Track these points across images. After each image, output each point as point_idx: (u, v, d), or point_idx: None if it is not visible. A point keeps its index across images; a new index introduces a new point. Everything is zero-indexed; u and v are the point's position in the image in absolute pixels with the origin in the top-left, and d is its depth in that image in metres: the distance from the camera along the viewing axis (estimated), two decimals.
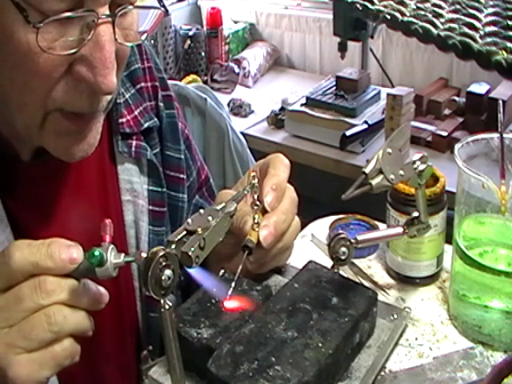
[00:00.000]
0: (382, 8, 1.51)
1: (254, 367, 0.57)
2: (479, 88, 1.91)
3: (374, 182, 0.62)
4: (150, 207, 0.79)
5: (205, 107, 1.44)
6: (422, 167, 0.66)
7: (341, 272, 0.70)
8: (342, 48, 2.06)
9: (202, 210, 0.60)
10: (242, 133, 1.74)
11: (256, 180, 0.70)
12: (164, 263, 0.51)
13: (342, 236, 0.68)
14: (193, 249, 0.54)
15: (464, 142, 0.72)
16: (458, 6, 1.45)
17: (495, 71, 1.27)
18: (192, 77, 2.37)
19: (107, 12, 0.54)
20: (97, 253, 0.52)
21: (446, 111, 1.99)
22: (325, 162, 1.91)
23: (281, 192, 0.70)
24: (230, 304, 0.65)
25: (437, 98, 2.02)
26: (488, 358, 0.69)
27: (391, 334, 0.69)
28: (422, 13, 1.44)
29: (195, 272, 0.59)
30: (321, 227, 0.97)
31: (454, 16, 1.41)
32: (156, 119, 0.81)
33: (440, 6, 1.47)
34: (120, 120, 0.76)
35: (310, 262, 0.72)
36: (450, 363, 0.67)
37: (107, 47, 0.54)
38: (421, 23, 1.40)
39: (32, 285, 0.52)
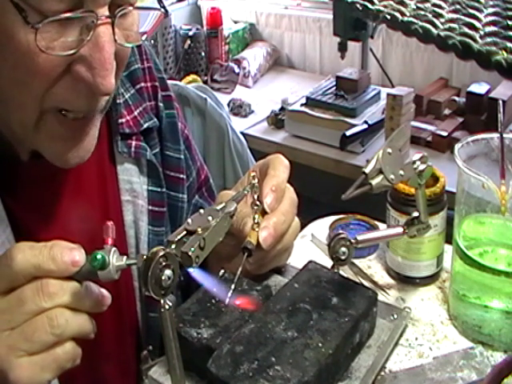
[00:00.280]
0: (381, 8, 1.51)
1: (254, 367, 0.57)
2: (479, 88, 1.91)
3: (374, 182, 0.62)
4: (150, 207, 0.79)
5: (205, 107, 1.44)
6: (421, 167, 0.66)
7: (341, 272, 0.70)
8: (342, 48, 2.06)
9: (201, 210, 0.60)
10: (242, 133, 1.74)
11: (256, 180, 0.70)
12: (164, 263, 0.51)
13: (342, 236, 0.68)
14: (193, 249, 0.54)
15: (464, 141, 0.72)
16: (457, 6, 1.45)
17: (495, 71, 1.26)
18: (192, 77, 2.37)
19: (107, 13, 0.54)
20: (99, 256, 0.52)
21: (446, 111, 1.99)
22: (325, 161, 1.91)
23: (280, 193, 0.70)
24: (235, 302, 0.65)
25: (437, 98, 2.02)
26: (488, 357, 0.69)
27: (391, 334, 0.69)
28: (422, 13, 1.44)
29: (195, 272, 0.59)
30: (321, 227, 0.97)
31: (454, 16, 1.41)
32: (156, 119, 0.81)
33: (440, 6, 1.47)
34: (120, 120, 0.76)
35: (310, 261, 0.72)
36: (450, 363, 0.67)
37: (106, 48, 0.54)
38: (421, 23, 1.40)
39: (34, 287, 0.52)
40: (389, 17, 1.47)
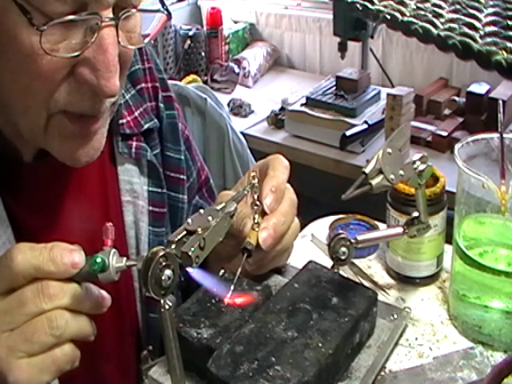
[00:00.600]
0: (381, 8, 1.51)
1: (254, 367, 0.57)
2: (479, 88, 1.91)
3: (374, 181, 0.62)
4: (150, 208, 0.79)
5: (205, 107, 1.44)
6: (422, 167, 0.66)
7: (341, 272, 0.70)
8: (342, 48, 2.06)
9: (202, 210, 0.60)
10: (242, 133, 1.74)
11: (256, 180, 0.70)
12: (164, 263, 0.51)
13: (342, 236, 0.68)
14: (193, 249, 0.54)
15: (464, 142, 0.72)
16: (458, 6, 1.45)
17: (495, 71, 1.26)
18: (192, 77, 2.37)
19: (111, 15, 0.54)
20: (99, 260, 0.52)
21: (446, 111, 1.99)
22: (325, 162, 1.91)
23: (280, 194, 0.70)
24: (233, 300, 0.65)
25: (437, 98, 2.02)
26: (488, 357, 0.69)
27: (391, 334, 0.69)
28: (422, 13, 1.44)
29: (195, 272, 0.59)
30: (321, 227, 0.97)
31: (454, 16, 1.41)
32: (156, 120, 0.81)
33: (440, 6, 1.47)
34: (120, 121, 0.76)
35: (310, 261, 0.72)
36: (450, 363, 0.67)
37: (110, 50, 0.54)
38: (421, 23, 1.40)
39: (35, 289, 0.52)
40: (389, 17, 1.47)
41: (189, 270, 0.56)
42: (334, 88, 2.05)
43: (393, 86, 2.14)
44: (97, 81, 0.55)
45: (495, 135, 0.71)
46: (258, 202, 0.69)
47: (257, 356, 0.58)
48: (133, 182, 0.78)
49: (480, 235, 0.74)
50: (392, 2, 1.51)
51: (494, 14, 1.40)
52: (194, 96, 1.44)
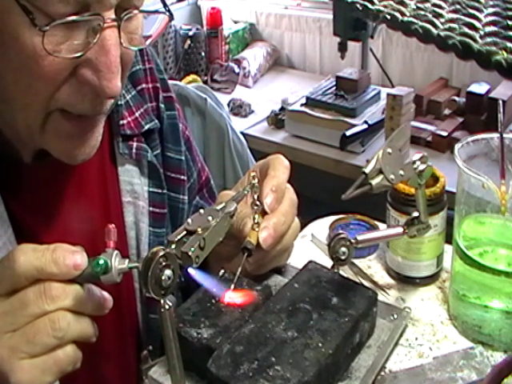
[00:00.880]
0: (382, 8, 1.51)
1: (254, 367, 0.57)
2: (479, 88, 1.91)
3: (374, 182, 0.62)
4: (151, 209, 0.79)
5: (205, 107, 1.44)
6: (422, 167, 0.66)
7: (341, 272, 0.70)
8: (342, 48, 2.06)
9: (202, 210, 0.60)
10: (242, 133, 1.74)
11: (256, 180, 0.70)
12: (164, 263, 0.51)
13: (342, 236, 0.68)
14: (193, 249, 0.54)
15: (464, 141, 0.72)
16: (458, 6, 1.45)
17: (495, 71, 1.26)
18: (192, 77, 2.37)
19: (113, 16, 0.54)
20: (101, 261, 0.52)
21: (446, 111, 1.99)
22: (325, 161, 1.91)
23: (280, 193, 0.70)
24: (231, 298, 0.65)
25: (437, 98, 2.02)
26: (488, 357, 0.69)
27: (391, 334, 0.69)
28: (422, 13, 1.44)
29: (195, 273, 0.59)
30: (321, 227, 0.97)
31: (454, 16, 1.41)
32: (157, 121, 0.81)
33: (440, 6, 1.47)
34: (121, 122, 0.76)
35: (310, 261, 0.72)
36: (450, 363, 0.67)
37: (112, 51, 0.54)
38: (421, 23, 1.40)
39: (37, 290, 0.52)
40: (389, 17, 1.47)
41: (190, 271, 0.56)
42: (334, 88, 2.05)
43: (393, 86, 2.14)
44: (98, 82, 0.55)
45: (495, 135, 0.71)
46: (258, 202, 0.69)
47: (257, 356, 0.58)
48: (133, 182, 0.78)
49: (480, 235, 0.74)
50: (392, 2, 1.51)
51: (494, 14, 1.40)
52: (194, 96, 1.44)
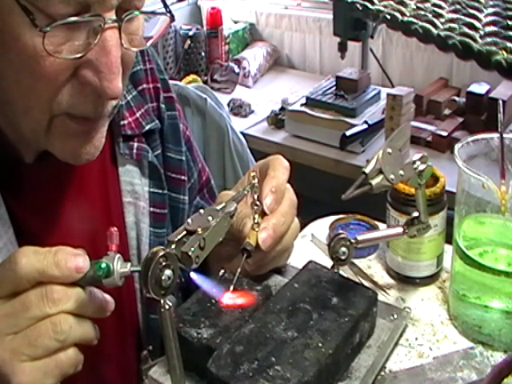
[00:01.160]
0: (382, 8, 1.51)
1: (254, 367, 0.57)
2: (479, 88, 1.91)
3: (374, 182, 0.62)
4: (151, 209, 0.79)
5: (205, 107, 1.44)
6: (422, 167, 0.66)
7: (341, 272, 0.70)
8: (342, 48, 2.06)
9: (202, 210, 0.60)
10: (242, 133, 1.74)
11: (256, 180, 0.70)
12: (164, 263, 0.51)
13: (342, 236, 0.68)
14: (193, 249, 0.54)
15: (464, 141, 0.72)
16: (458, 6, 1.45)
17: (495, 71, 1.26)
18: (192, 77, 2.37)
19: (114, 17, 0.54)
20: (103, 265, 0.52)
21: (446, 111, 1.99)
22: (325, 162, 1.91)
23: (280, 194, 0.70)
24: (230, 300, 0.65)
25: (437, 98, 2.02)
26: (488, 357, 0.69)
27: (391, 334, 0.69)
28: (422, 13, 1.44)
29: (195, 275, 0.59)
30: (321, 227, 0.97)
31: (454, 16, 1.41)
32: (157, 121, 0.81)
33: (440, 6, 1.47)
34: (122, 122, 0.76)
35: (310, 261, 0.72)
36: (450, 363, 0.67)
37: (113, 52, 0.54)
38: (421, 23, 1.40)
39: (39, 293, 0.52)
40: (389, 17, 1.47)
41: (192, 276, 0.57)
42: (334, 88, 2.05)
43: (393, 86, 2.14)
44: (99, 82, 0.55)
45: (495, 135, 0.71)
46: (257, 202, 0.69)
47: (257, 356, 0.58)
48: (134, 183, 0.78)
49: (480, 235, 0.74)
50: (392, 2, 1.51)
51: (494, 14, 1.40)
52: (194, 96, 1.44)
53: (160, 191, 0.81)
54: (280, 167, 0.72)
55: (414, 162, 0.66)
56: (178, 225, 0.84)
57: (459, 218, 0.73)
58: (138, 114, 0.78)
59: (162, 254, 0.51)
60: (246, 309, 0.65)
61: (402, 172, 0.64)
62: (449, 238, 0.77)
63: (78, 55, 0.53)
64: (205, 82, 2.31)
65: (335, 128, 1.90)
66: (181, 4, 2.65)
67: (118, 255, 0.54)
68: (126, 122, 0.76)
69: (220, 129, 1.45)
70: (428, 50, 2.17)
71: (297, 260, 0.80)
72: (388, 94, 1.82)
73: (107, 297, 0.56)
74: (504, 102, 1.73)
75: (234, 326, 0.62)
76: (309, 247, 0.93)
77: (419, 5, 1.48)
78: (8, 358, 0.51)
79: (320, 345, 0.59)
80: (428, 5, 1.48)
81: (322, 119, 1.95)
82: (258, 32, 2.71)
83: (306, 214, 0.84)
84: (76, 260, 0.52)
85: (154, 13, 0.62)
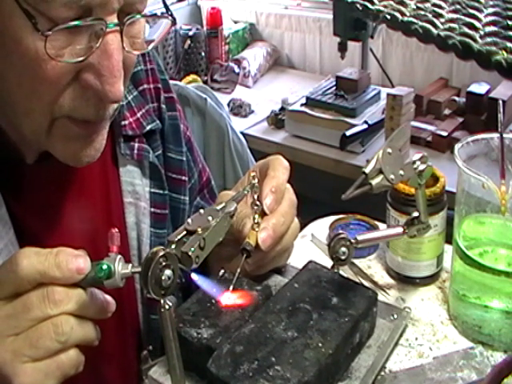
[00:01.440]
0: (382, 8, 1.51)
1: (254, 367, 0.57)
2: (479, 88, 1.91)
3: (374, 182, 0.62)
4: (152, 209, 0.79)
5: (205, 107, 1.44)
6: (422, 167, 0.66)
7: (341, 272, 0.70)
8: (342, 48, 2.06)
9: (202, 210, 0.60)
10: (242, 133, 1.74)
11: (256, 180, 0.70)
12: (164, 263, 0.51)
13: (342, 236, 0.68)
14: (193, 249, 0.54)
15: (464, 141, 0.72)
16: (458, 6, 1.45)
17: (495, 71, 1.27)
18: (192, 77, 2.37)
19: (115, 21, 0.54)
20: (105, 266, 0.52)
21: (446, 111, 1.99)
22: (325, 161, 1.91)
23: (280, 194, 0.71)
24: (229, 300, 0.65)
25: (437, 98, 2.02)
26: (488, 357, 0.69)
27: (391, 334, 0.69)
28: (422, 13, 1.44)
29: (195, 276, 0.59)
30: (321, 227, 0.97)
31: (454, 16, 1.41)
32: (158, 122, 0.81)
33: (440, 6, 1.47)
34: (122, 122, 0.76)
35: (310, 261, 0.72)
36: (450, 363, 0.67)
37: (115, 56, 0.54)
38: (421, 23, 1.40)
39: (40, 294, 0.52)
40: (389, 17, 1.47)
41: (193, 277, 0.56)
42: (334, 88, 2.05)
43: (393, 86, 2.14)
44: (101, 86, 0.55)
45: (495, 135, 0.71)
46: (257, 202, 0.69)
47: (257, 356, 0.58)
48: (135, 183, 0.78)
49: (480, 235, 0.74)
50: (392, 2, 1.51)
51: (494, 14, 1.40)
52: (194, 96, 1.44)
53: (161, 191, 0.81)
54: (280, 167, 0.72)
55: (414, 162, 0.66)
56: (179, 225, 0.83)
57: (459, 218, 0.73)
58: (138, 115, 0.78)
59: (161, 254, 0.51)
60: (246, 309, 0.65)
61: (402, 172, 0.64)
62: (449, 238, 0.77)
63: (80, 59, 0.53)
64: (205, 82, 2.31)
65: (335, 128, 1.90)
66: (181, 4, 2.66)
67: (119, 256, 0.54)
68: (126, 122, 0.76)
69: (220, 129, 1.45)
70: (428, 49, 2.17)
71: (297, 260, 0.80)
72: (388, 94, 1.82)
73: (108, 298, 0.56)
74: (504, 102, 1.73)
75: (234, 325, 0.62)
76: (309, 247, 0.93)
77: (419, 5, 1.48)
78: (9, 359, 0.51)
79: (320, 345, 0.59)
80: (428, 5, 1.48)
81: (322, 119, 1.95)
82: (258, 32, 2.71)
83: (306, 214, 0.84)
84: (77, 261, 0.52)
85: (155, 16, 0.62)
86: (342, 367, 0.63)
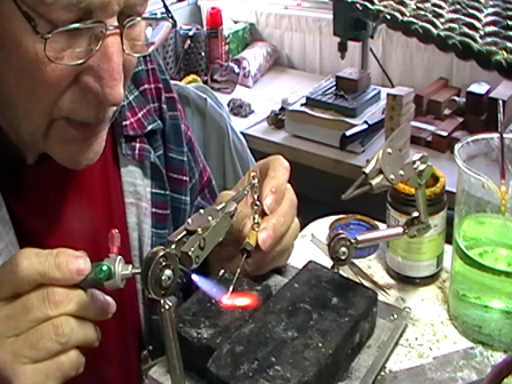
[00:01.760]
0: (382, 8, 1.51)
1: (254, 367, 0.57)
2: (479, 88, 1.91)
3: (374, 182, 0.62)
4: (153, 210, 0.79)
5: (205, 107, 1.44)
6: (422, 167, 0.66)
7: (341, 272, 0.70)
8: (342, 48, 2.06)
9: (202, 210, 0.60)
10: (242, 133, 1.74)
11: (256, 180, 0.70)
12: (164, 263, 0.51)
13: (342, 236, 0.68)
14: (193, 249, 0.55)
15: (464, 141, 0.72)
16: (458, 6, 1.45)
17: (495, 71, 1.26)
18: (192, 77, 2.37)
19: (116, 23, 0.54)
20: (105, 267, 0.52)
21: (446, 111, 1.99)
22: (325, 161, 1.91)
23: (280, 194, 0.70)
24: (230, 300, 0.65)
25: (437, 98, 2.02)
26: (488, 357, 0.69)
27: (391, 334, 0.69)
28: (422, 13, 1.44)
29: (195, 276, 0.59)
30: (321, 227, 0.97)
31: (454, 16, 1.41)
32: (159, 121, 0.81)
33: (440, 6, 1.47)
34: (124, 123, 0.76)
35: (310, 261, 0.72)
36: (450, 363, 0.67)
37: (115, 58, 0.54)
38: (421, 23, 1.40)
39: (40, 295, 0.52)
40: (389, 17, 1.47)
41: (193, 278, 0.56)
42: (334, 88, 2.05)
43: (393, 86, 2.14)
44: (101, 89, 0.55)
45: (495, 135, 0.71)
46: (257, 202, 0.69)
47: (257, 356, 0.58)
48: (136, 183, 0.78)
49: (480, 235, 0.74)
50: (392, 2, 1.51)
51: (494, 14, 1.40)
52: (194, 96, 1.44)
53: (162, 192, 0.81)
54: (280, 167, 0.72)
55: (414, 162, 0.66)
56: (180, 225, 0.83)
57: (459, 218, 0.73)
58: (139, 115, 0.78)
59: (162, 254, 0.51)
60: (246, 309, 0.65)
61: (402, 172, 0.64)
62: (449, 238, 0.77)
63: (80, 61, 0.53)
64: (205, 82, 2.31)
65: (335, 128, 1.90)
66: (181, 4, 2.66)
67: (120, 257, 0.53)
68: (128, 122, 0.76)
69: (220, 129, 1.45)
70: (428, 49, 2.17)
71: (297, 260, 0.80)
72: (388, 94, 1.82)
73: (109, 299, 0.56)
74: (504, 102, 1.73)
75: (234, 325, 0.62)
76: (309, 247, 0.93)
77: (419, 5, 1.48)
78: (9, 360, 0.51)
79: (320, 345, 0.59)
80: (428, 5, 1.48)
81: (321, 119, 1.95)
82: (258, 32, 2.71)
83: (306, 213, 0.84)
84: (77, 262, 0.52)
85: (155, 18, 0.62)
86: (342, 367, 0.63)
